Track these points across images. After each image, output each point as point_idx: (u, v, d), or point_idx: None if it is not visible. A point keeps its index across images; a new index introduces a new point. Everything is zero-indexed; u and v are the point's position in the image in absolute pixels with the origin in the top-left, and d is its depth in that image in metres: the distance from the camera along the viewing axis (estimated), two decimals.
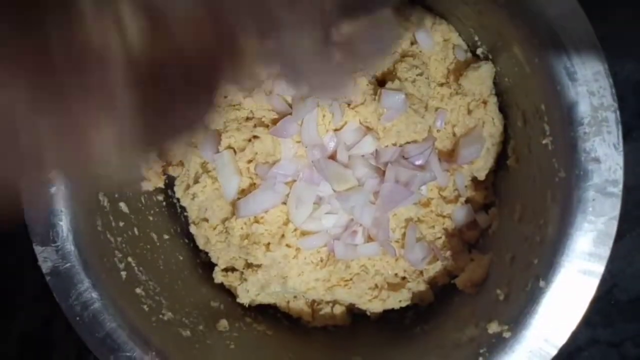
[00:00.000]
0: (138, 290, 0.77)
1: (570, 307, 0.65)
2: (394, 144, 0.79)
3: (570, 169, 0.65)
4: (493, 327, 0.69)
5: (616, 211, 0.64)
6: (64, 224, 0.72)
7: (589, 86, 0.63)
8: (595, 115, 0.63)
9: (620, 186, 0.64)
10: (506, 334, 0.67)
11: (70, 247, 0.72)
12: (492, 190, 0.86)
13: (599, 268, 0.65)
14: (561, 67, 0.64)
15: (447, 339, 0.77)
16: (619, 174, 0.64)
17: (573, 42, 0.63)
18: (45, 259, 0.71)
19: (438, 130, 0.82)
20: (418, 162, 0.79)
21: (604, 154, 0.64)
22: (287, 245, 0.81)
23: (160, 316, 0.78)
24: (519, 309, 0.67)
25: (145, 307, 0.77)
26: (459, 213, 0.86)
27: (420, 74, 0.80)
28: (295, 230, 0.82)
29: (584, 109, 0.64)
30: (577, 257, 0.65)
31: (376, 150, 0.79)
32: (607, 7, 0.83)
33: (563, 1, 0.64)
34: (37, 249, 0.71)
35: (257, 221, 0.81)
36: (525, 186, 0.77)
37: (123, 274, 0.77)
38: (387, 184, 0.77)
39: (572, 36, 0.63)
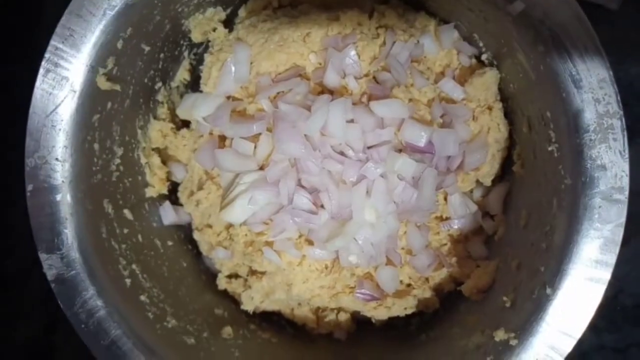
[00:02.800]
0: (142, 298, 0.77)
1: (576, 314, 0.65)
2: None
3: (577, 176, 0.65)
4: (500, 335, 0.68)
5: (622, 218, 0.64)
6: (69, 232, 0.71)
7: (594, 93, 0.63)
8: (600, 123, 0.63)
9: (627, 193, 0.64)
10: (513, 342, 0.67)
11: (75, 254, 0.71)
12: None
13: (606, 275, 0.64)
14: (566, 74, 0.64)
15: (453, 346, 0.77)
16: (625, 181, 0.64)
17: (578, 49, 0.63)
18: (51, 266, 0.71)
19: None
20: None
21: (610, 161, 0.64)
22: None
23: (165, 323, 0.78)
24: (525, 317, 0.67)
25: (149, 314, 0.77)
26: (465, 219, 0.85)
27: (427, 79, 0.80)
28: (300, 237, 0.82)
29: (589, 116, 0.64)
30: (584, 264, 0.65)
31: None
32: (610, 12, 0.83)
33: (566, 7, 0.64)
34: (43, 256, 0.71)
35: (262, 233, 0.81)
36: (531, 192, 0.77)
37: (127, 281, 0.76)
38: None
39: (577, 43, 0.63)
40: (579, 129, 0.64)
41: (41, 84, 0.69)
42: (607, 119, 0.63)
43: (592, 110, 0.63)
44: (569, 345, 0.65)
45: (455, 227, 0.86)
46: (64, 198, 0.71)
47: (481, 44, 0.82)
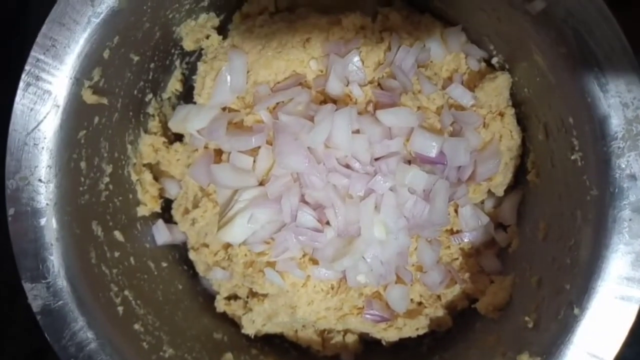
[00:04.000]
0: (136, 326, 0.72)
1: (607, 335, 0.60)
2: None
3: (604, 187, 0.60)
4: (524, 359, 0.64)
5: None
6: (55, 259, 0.66)
7: (622, 97, 0.59)
8: (629, 129, 0.59)
9: None
10: None
11: (62, 283, 0.66)
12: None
13: (638, 293, 0.60)
14: (591, 77, 0.60)
15: None
16: None
17: (603, 49, 0.59)
18: (36, 296, 0.66)
19: None
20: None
21: None
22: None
23: (161, 354, 0.72)
24: (551, 339, 0.62)
25: (144, 344, 0.71)
26: (477, 232, 0.81)
27: (435, 85, 0.75)
28: (304, 256, 0.77)
29: (617, 122, 0.59)
30: (614, 281, 0.60)
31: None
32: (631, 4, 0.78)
33: (590, 5, 0.60)
34: (27, 286, 0.66)
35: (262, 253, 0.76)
36: (550, 203, 0.72)
37: (120, 309, 0.71)
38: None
39: (602, 43, 0.59)
40: (606, 135, 0.60)
41: (21, 99, 0.64)
42: (637, 125, 0.58)
43: (619, 116, 0.59)
44: None
45: (467, 240, 0.82)
46: (49, 222, 0.66)
47: (492, 47, 0.78)
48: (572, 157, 0.64)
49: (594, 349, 0.60)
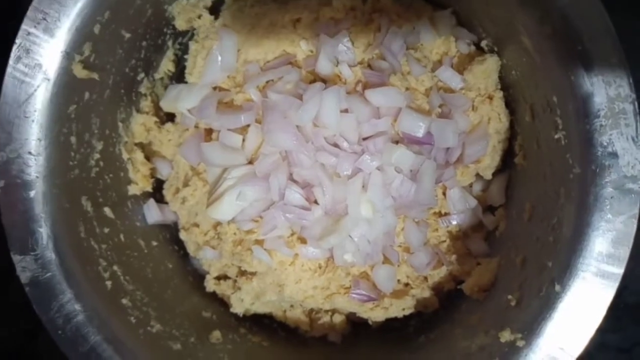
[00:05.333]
0: (124, 301, 0.72)
1: (587, 312, 0.61)
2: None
3: (586, 165, 0.61)
4: (505, 336, 0.64)
5: (636, 209, 0.60)
6: (43, 231, 0.67)
7: (604, 75, 0.59)
8: (612, 107, 0.59)
9: None
10: (520, 343, 0.63)
11: (50, 255, 0.67)
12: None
13: (618, 270, 0.61)
14: (575, 56, 0.60)
15: (455, 347, 0.73)
16: (638, 169, 0.60)
17: (588, 29, 0.59)
18: (24, 268, 0.67)
19: None
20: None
21: (622, 148, 0.60)
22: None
23: (149, 328, 0.73)
24: (533, 316, 0.63)
25: (132, 318, 0.72)
26: (464, 215, 0.81)
27: (424, 67, 0.76)
28: (293, 234, 0.77)
29: (599, 100, 0.60)
30: (595, 258, 0.61)
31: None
32: None
33: None
34: (15, 257, 0.66)
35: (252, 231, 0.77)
36: (535, 184, 0.73)
37: (108, 283, 0.72)
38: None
39: (587, 23, 0.59)
40: (589, 114, 0.60)
41: (12, 71, 0.64)
42: (619, 103, 0.59)
43: (602, 94, 0.59)
44: (580, 345, 0.61)
45: (455, 223, 0.82)
46: (38, 194, 0.66)
47: (480, 30, 0.78)
48: (556, 136, 0.65)
49: (574, 325, 0.61)
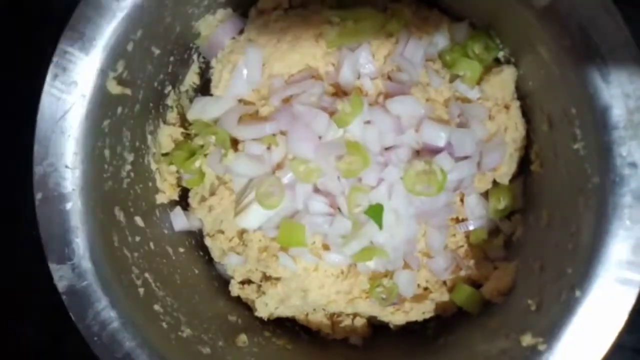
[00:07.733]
0: (156, 307, 0.75)
1: (608, 317, 0.63)
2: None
3: (605, 175, 0.63)
4: (527, 340, 0.66)
5: None
6: (80, 241, 0.69)
7: (623, 88, 0.61)
8: (631, 119, 0.61)
9: None
10: (541, 347, 0.65)
11: (87, 264, 0.69)
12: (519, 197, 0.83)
13: (638, 277, 0.62)
14: (594, 69, 0.62)
15: (475, 351, 0.75)
16: None
17: (606, 41, 0.61)
18: (62, 277, 0.69)
19: None
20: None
21: None
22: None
23: (180, 333, 0.76)
24: (553, 320, 0.65)
25: (164, 324, 0.75)
26: (482, 220, 0.83)
27: (442, 78, 0.78)
28: (315, 242, 0.80)
29: (618, 112, 0.62)
30: (614, 265, 0.63)
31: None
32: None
33: None
34: (53, 267, 0.69)
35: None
36: (552, 191, 0.75)
37: (141, 290, 0.74)
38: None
39: (606, 35, 0.61)
40: (607, 125, 0.62)
41: (50, 88, 0.67)
42: (638, 115, 0.61)
43: (621, 106, 0.61)
44: (601, 351, 0.63)
45: (472, 228, 0.84)
46: (75, 206, 0.69)
47: (498, 41, 0.80)
48: (575, 147, 0.66)
49: (595, 329, 0.63)
